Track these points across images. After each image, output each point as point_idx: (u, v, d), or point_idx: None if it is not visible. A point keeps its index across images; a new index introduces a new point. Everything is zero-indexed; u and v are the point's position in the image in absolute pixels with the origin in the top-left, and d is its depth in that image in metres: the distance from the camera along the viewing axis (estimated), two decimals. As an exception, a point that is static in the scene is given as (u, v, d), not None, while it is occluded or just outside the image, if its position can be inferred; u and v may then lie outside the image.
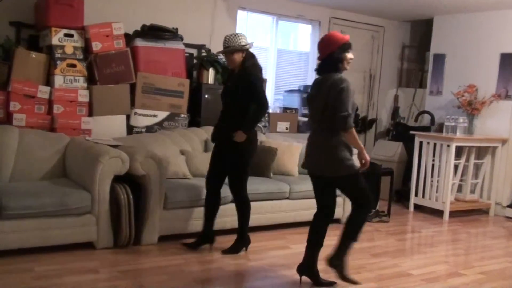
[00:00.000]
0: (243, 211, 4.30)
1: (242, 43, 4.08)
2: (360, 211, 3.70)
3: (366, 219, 3.75)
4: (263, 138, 5.81)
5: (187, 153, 5.04)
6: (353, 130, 3.57)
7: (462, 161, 6.53)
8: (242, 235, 4.32)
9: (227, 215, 4.60)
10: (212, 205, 4.32)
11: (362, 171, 3.68)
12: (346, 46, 3.61)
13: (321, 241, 3.73)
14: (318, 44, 3.70)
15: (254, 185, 4.97)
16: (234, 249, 4.29)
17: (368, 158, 3.68)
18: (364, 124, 7.87)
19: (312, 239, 3.73)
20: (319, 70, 3.71)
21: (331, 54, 3.58)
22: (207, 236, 4.34)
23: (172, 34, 5.63)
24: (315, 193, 3.80)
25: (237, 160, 4.17)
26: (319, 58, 3.70)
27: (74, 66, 4.92)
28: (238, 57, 4.10)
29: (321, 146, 3.65)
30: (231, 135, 4.07)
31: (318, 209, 3.78)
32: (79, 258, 3.86)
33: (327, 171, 3.63)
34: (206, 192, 4.34)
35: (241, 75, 4.11)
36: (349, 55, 3.63)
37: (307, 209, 5.26)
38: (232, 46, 4.06)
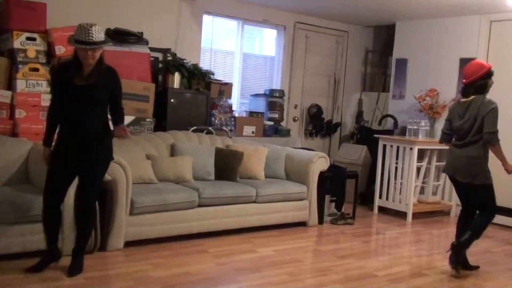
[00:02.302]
0: (92, 220, 3.85)
1: (106, 38, 3.62)
2: (487, 216, 4.33)
3: (489, 223, 4.36)
4: (229, 142, 5.82)
5: (153, 157, 5.01)
6: (499, 144, 4.17)
7: (424, 163, 6.68)
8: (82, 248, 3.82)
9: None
10: (57, 217, 3.75)
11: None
12: (491, 73, 4.28)
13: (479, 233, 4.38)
14: (467, 69, 4.32)
15: (221, 189, 4.98)
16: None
17: (510, 168, 4.28)
18: (329, 128, 7.97)
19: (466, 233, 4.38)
20: (466, 92, 4.32)
21: (479, 79, 4.23)
22: (52, 253, 3.76)
23: (137, 38, 5.60)
24: (461, 196, 4.55)
25: (104, 159, 3.76)
26: (465, 82, 4.31)
27: (36, 70, 4.84)
28: (100, 53, 3.58)
29: (471, 158, 4.26)
30: (101, 134, 3.68)
31: (464, 210, 4.52)
32: (43, 266, 3.79)
33: (476, 179, 4.23)
34: (46, 203, 3.66)
35: (106, 73, 3.66)
36: (492, 80, 4.29)
37: (274, 212, 5.33)
38: (104, 41, 3.57)
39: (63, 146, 3.66)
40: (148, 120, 5.53)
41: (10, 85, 4.82)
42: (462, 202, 4.57)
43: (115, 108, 3.80)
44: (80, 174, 3.71)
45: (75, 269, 3.70)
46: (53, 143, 3.74)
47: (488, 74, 4.26)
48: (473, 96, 4.25)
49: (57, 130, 3.72)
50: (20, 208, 3.79)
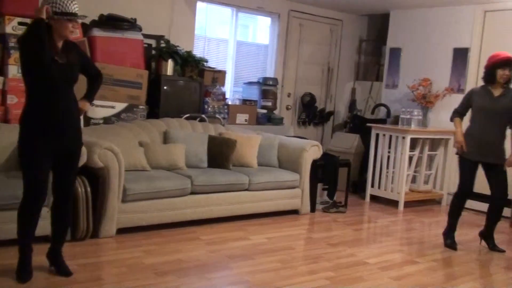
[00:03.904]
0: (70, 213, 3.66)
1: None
2: (503, 199, 4.75)
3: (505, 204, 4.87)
4: (223, 130, 5.82)
5: (146, 145, 5.00)
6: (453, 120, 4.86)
7: (416, 152, 6.71)
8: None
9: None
10: (39, 210, 3.41)
11: None
12: (498, 65, 4.62)
13: (498, 216, 4.77)
14: None
15: (214, 176, 4.99)
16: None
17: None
18: (322, 117, 7.98)
19: (492, 216, 4.79)
20: None
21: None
22: (29, 253, 3.46)
23: (130, 24, 5.56)
24: (488, 181, 4.75)
25: (81, 144, 3.53)
26: None
27: (28, 55, 4.79)
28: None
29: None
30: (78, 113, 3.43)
31: (492, 195, 4.75)
32: (35, 252, 3.75)
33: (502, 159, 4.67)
34: (34, 195, 3.34)
35: (74, 47, 3.43)
36: (500, 71, 4.63)
37: (266, 200, 5.34)
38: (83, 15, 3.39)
39: (41, 132, 3.25)
40: (141, 107, 5.51)
41: (1, 71, 4.78)
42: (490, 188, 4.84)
43: (95, 75, 3.59)
44: (59, 162, 3.39)
45: (66, 266, 3.50)
46: (26, 129, 3.29)
47: (495, 64, 4.66)
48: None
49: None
50: (12, 194, 3.77)
